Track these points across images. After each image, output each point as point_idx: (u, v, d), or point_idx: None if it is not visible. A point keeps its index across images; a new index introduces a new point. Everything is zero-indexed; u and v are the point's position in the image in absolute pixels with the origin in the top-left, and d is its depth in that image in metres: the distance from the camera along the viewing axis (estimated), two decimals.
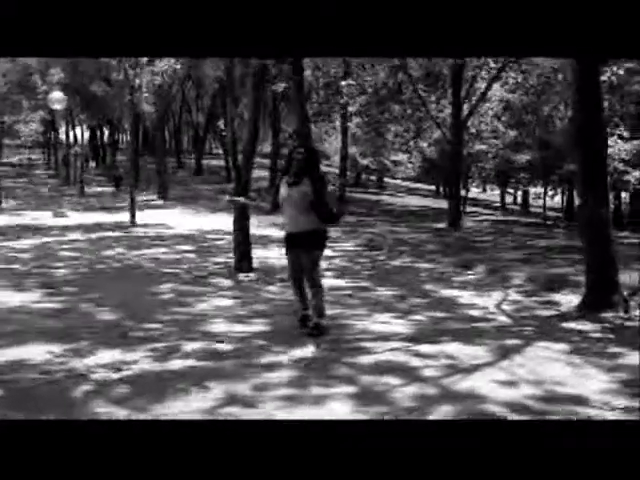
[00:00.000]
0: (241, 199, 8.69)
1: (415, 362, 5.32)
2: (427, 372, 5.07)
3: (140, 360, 5.38)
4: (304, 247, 6.26)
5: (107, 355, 5.52)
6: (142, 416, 4.16)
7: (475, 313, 7.32)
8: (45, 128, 35.71)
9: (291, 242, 6.36)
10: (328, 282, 8.97)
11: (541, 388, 4.70)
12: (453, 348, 5.75)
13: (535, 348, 5.80)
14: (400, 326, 6.62)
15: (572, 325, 6.71)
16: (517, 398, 4.47)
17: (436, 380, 4.87)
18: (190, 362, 5.33)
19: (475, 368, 5.16)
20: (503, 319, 7.07)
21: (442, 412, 4.18)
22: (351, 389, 4.67)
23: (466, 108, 21.65)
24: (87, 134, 53.11)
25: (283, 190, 6.26)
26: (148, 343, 5.89)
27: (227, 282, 9.13)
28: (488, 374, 5.00)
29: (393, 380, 4.86)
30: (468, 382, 4.79)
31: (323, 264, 10.67)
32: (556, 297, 8.24)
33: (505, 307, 7.70)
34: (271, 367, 5.20)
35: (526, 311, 7.50)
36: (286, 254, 6.50)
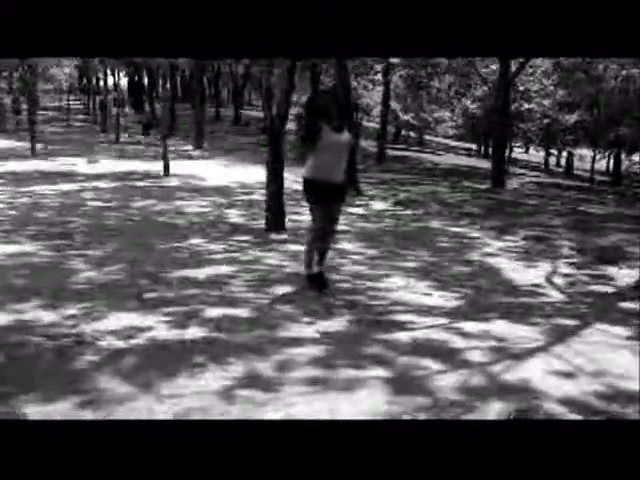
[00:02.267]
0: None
1: (458, 343, 4.75)
2: (472, 356, 4.49)
3: (154, 327, 4.91)
4: (339, 198, 6.11)
5: (119, 319, 5.05)
6: (149, 395, 3.71)
7: (522, 286, 6.68)
8: (81, 73, 35.17)
9: (327, 192, 5.95)
10: (359, 245, 8.42)
11: (603, 382, 4.10)
12: (501, 327, 5.17)
13: (592, 331, 5.19)
14: (439, 298, 6.03)
15: (631, 305, 6.05)
16: (577, 394, 3.88)
17: (483, 367, 4.29)
18: (209, 331, 4.84)
19: (527, 353, 4.58)
20: (554, 294, 6.43)
21: (492, 410, 3.61)
22: (385, 373, 4.14)
23: (514, 64, 20.57)
24: (126, 81, 52.75)
25: (327, 135, 5.83)
26: (164, 307, 5.42)
27: (256, 240, 8.59)
28: (542, 362, 4.41)
29: (433, 364, 4.30)
30: (520, 372, 4.21)
31: (356, 224, 10.16)
32: (610, 271, 7.56)
33: (556, 280, 7.05)
34: (296, 341, 4.68)
35: (578, 286, 6.83)
36: (316, 205, 6.00)
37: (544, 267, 7.65)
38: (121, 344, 4.53)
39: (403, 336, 4.86)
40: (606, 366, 4.38)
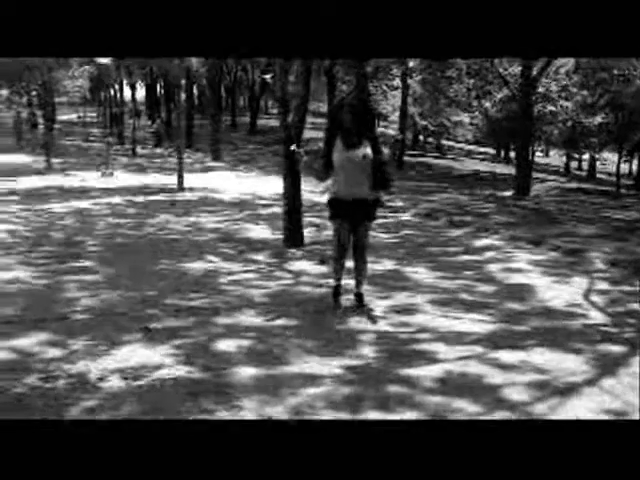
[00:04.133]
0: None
1: (495, 377, 4.28)
2: (512, 393, 4.02)
3: (161, 363, 4.48)
4: (361, 217, 5.88)
5: (123, 354, 4.64)
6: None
7: (559, 306, 6.18)
8: (95, 85, 35.03)
9: (345, 210, 5.84)
10: (381, 261, 7.97)
11: None
12: (541, 356, 4.69)
13: None
14: (469, 322, 5.56)
15: None
16: None
17: (526, 407, 3.82)
18: (220, 366, 4.41)
19: (573, 389, 4.10)
20: (595, 315, 5.92)
21: None
22: (414, 416, 3.69)
23: (535, 65, 20.03)
24: (143, 92, 52.77)
25: (340, 151, 5.75)
26: (173, 338, 5.00)
27: (273, 259, 8.17)
28: (592, 399, 3.93)
29: (469, 405, 3.84)
30: (568, 412, 3.74)
31: (381, 238, 9.69)
32: None
33: (594, 298, 6.55)
34: (313, 379, 4.23)
35: (619, 305, 6.31)
36: (333, 220, 5.97)
37: (579, 283, 7.14)
38: (121, 385, 4.11)
39: (432, 370, 4.40)
40: None
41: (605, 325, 5.59)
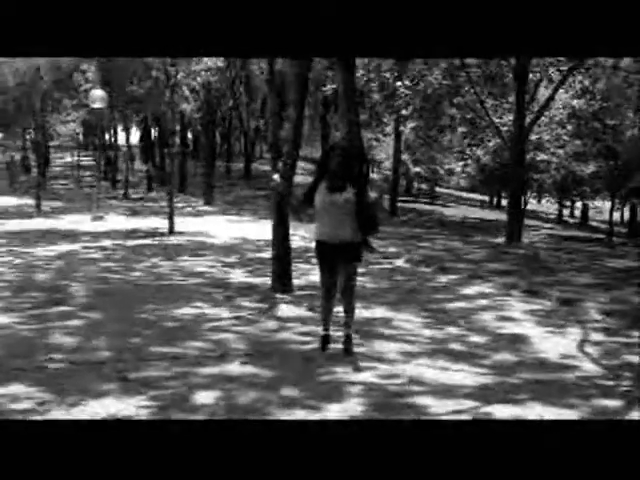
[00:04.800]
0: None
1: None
2: None
3: (135, 414, 4.26)
4: (344, 259, 5.80)
5: (96, 405, 4.42)
6: None
7: (553, 358, 5.99)
8: (88, 129, 35.13)
9: (328, 253, 5.85)
10: (374, 310, 7.77)
11: None
12: (536, 412, 4.48)
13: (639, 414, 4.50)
14: (461, 375, 5.36)
15: None
16: None
17: None
18: (198, 420, 4.19)
19: None
20: (589, 367, 5.73)
21: None
22: None
23: (528, 114, 20.16)
24: (137, 135, 52.92)
25: (323, 194, 5.74)
26: (150, 389, 4.78)
27: (260, 305, 7.97)
28: None
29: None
30: None
31: (368, 285, 9.50)
32: None
33: (588, 349, 6.36)
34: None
35: (614, 357, 6.13)
36: (319, 264, 5.97)
37: (574, 333, 6.96)
38: None
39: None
40: None
41: (600, 378, 5.40)
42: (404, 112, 23.29)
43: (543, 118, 22.31)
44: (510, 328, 7.09)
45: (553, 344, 6.47)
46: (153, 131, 50.23)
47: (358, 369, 5.43)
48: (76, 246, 13.49)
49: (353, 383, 5.04)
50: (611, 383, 5.26)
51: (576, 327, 7.26)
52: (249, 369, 5.36)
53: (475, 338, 6.63)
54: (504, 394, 4.86)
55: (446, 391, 4.90)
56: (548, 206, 45.06)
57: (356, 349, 5.93)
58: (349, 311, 5.98)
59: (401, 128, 27.33)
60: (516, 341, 6.56)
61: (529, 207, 40.58)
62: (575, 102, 23.21)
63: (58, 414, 4.24)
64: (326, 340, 5.94)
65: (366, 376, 5.24)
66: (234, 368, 5.39)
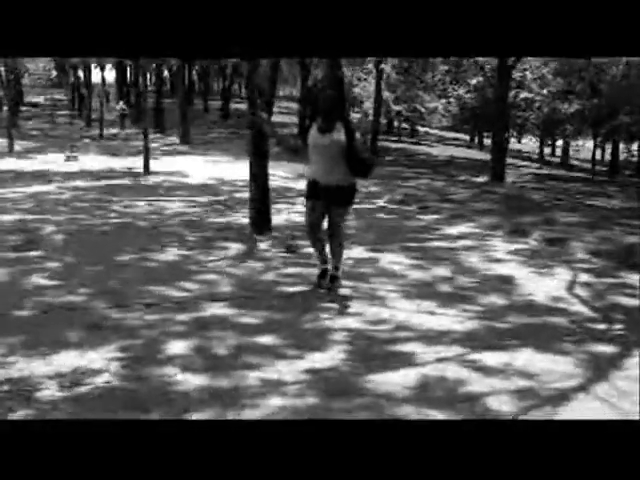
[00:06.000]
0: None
1: (476, 383, 3.88)
2: (496, 403, 3.62)
3: (105, 368, 4.01)
4: (334, 201, 5.76)
5: (66, 357, 4.16)
6: None
7: (541, 300, 5.80)
8: (61, 67, 34.04)
9: (317, 193, 5.80)
10: (355, 250, 7.52)
11: None
12: (525, 358, 4.30)
13: (636, 361, 4.32)
14: (448, 319, 5.15)
15: None
16: None
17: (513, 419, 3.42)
18: (170, 373, 3.95)
19: (563, 397, 3.71)
20: (580, 310, 5.55)
21: None
22: None
23: None
24: (114, 74, 51.59)
25: (313, 136, 5.71)
26: (122, 338, 4.52)
27: (236, 246, 7.69)
28: (585, 409, 3.54)
29: (447, 417, 3.43)
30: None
31: (350, 224, 9.24)
32: (635, 278, 6.66)
33: (577, 291, 6.18)
34: (277, 386, 3.79)
35: (604, 298, 5.96)
36: (307, 200, 5.95)
37: (562, 274, 6.77)
38: (56, 394, 3.64)
39: (408, 374, 3.98)
40: None
41: (591, 321, 5.22)
42: None
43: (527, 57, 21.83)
44: (498, 269, 6.89)
45: (542, 285, 6.28)
46: (129, 69, 49.04)
47: (342, 313, 5.21)
48: (51, 187, 13.06)
49: (337, 330, 4.82)
50: (603, 327, 5.09)
51: (564, 267, 7.07)
52: (229, 314, 5.12)
53: (463, 279, 6.42)
54: (493, 339, 4.67)
55: (434, 337, 4.69)
56: (528, 144, 44.85)
57: (341, 291, 5.71)
58: (336, 254, 5.90)
59: (382, 66, 26.67)
60: (503, 282, 6.36)
61: (510, 146, 40.43)
62: None
63: (24, 365, 3.99)
64: (322, 274, 5.93)
65: (351, 322, 5.01)
66: (214, 312, 5.14)
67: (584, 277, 6.70)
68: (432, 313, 5.28)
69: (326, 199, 5.75)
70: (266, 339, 4.58)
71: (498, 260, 7.36)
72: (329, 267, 5.93)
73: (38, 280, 6.05)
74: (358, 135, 5.84)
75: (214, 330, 4.74)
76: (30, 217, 9.52)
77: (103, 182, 14.04)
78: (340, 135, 5.58)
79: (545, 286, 6.27)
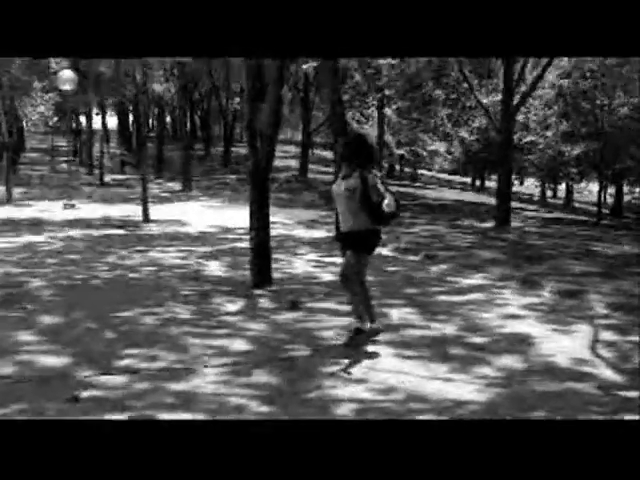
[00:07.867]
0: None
1: None
2: None
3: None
4: (347, 247, 5.72)
5: None
6: None
7: (562, 362, 5.36)
8: (61, 112, 33.92)
9: (341, 241, 5.87)
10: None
11: None
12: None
13: None
14: (463, 386, 4.71)
15: None
16: None
17: None
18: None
19: None
20: (606, 373, 5.11)
21: None
22: None
23: (516, 94, 19.47)
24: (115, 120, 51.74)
25: (336, 183, 5.86)
26: (105, 412, 4.09)
27: (235, 304, 7.26)
28: None
29: None
30: None
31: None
32: None
33: (601, 351, 5.74)
34: None
35: (631, 360, 5.52)
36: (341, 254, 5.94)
37: (581, 331, 6.33)
38: None
39: None
40: None
41: (622, 388, 4.77)
42: (387, 92, 22.52)
43: (530, 99, 21.69)
44: (513, 326, 6.45)
45: (562, 344, 5.85)
46: (130, 115, 49.21)
47: (348, 380, 4.78)
48: (45, 237, 12.69)
49: (342, 401, 4.37)
50: (632, 394, 4.63)
51: (583, 323, 6.63)
52: (219, 386, 4.68)
53: (476, 338, 5.99)
54: (517, 412, 4.22)
55: (449, 408, 4.25)
56: (529, 187, 44.66)
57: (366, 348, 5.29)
58: (350, 302, 5.87)
59: (384, 109, 26.56)
60: (519, 342, 5.92)
61: (512, 189, 40.17)
62: (562, 82, 22.58)
63: None
64: (356, 332, 5.73)
65: (357, 391, 4.57)
66: (205, 382, 4.71)
67: (607, 335, 6.26)
68: (447, 380, 4.84)
69: (344, 246, 5.77)
70: (261, 409, 4.14)
71: (512, 316, 6.92)
72: (359, 324, 5.73)
73: (17, 339, 5.63)
74: (380, 185, 5.63)
75: (202, 402, 4.30)
76: (19, 269, 9.12)
77: (100, 231, 13.68)
78: (355, 181, 5.54)
79: (565, 346, 5.83)
